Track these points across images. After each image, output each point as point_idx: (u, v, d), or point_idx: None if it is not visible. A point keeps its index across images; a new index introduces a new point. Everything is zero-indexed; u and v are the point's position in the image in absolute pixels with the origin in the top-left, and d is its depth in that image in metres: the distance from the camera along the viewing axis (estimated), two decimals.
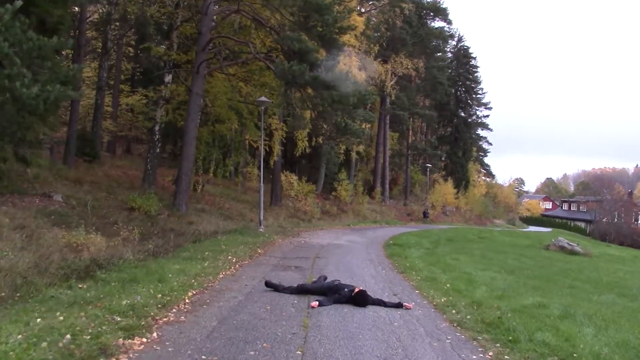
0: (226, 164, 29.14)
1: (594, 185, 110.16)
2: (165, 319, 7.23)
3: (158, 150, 27.08)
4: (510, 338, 7.15)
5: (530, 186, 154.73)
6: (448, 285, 11.69)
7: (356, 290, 9.18)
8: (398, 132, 58.96)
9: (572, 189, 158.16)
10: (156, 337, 6.41)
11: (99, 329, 6.21)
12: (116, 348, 5.72)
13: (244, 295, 9.33)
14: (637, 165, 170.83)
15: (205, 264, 12.06)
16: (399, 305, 9.17)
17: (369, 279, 12.26)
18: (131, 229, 15.53)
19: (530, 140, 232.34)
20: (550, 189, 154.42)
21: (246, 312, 8.07)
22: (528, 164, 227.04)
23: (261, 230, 22.43)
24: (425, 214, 50.81)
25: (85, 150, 28.67)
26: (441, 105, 64.16)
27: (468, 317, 8.48)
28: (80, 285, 8.64)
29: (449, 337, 7.32)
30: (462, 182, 65.46)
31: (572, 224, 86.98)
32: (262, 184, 23.92)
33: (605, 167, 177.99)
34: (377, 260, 16.26)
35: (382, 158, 51.99)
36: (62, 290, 8.11)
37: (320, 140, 36.69)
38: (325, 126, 28.68)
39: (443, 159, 69.14)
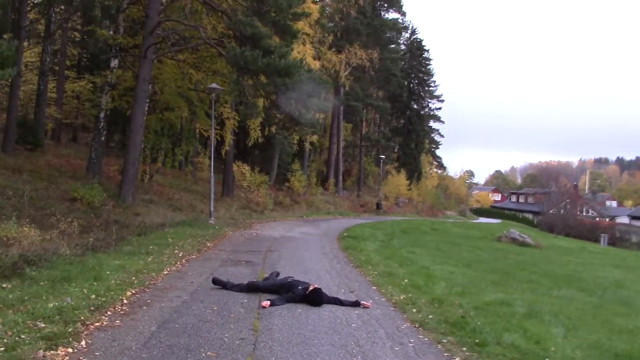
0: (175, 153, 28.11)
1: (541, 178, 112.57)
2: (97, 324, 6.44)
3: (103, 138, 25.83)
4: (477, 341, 6.64)
5: (480, 178, 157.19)
6: (406, 280, 11.18)
7: (310, 288, 8.54)
8: (352, 123, 58.61)
9: (519, 181, 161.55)
10: (84, 346, 5.63)
11: (17, 338, 5.41)
12: None
13: (189, 294, 8.60)
14: (580, 159, 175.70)
15: (149, 259, 11.25)
16: (356, 304, 8.59)
17: (324, 274, 11.66)
18: (70, 221, 14.50)
19: (480, 133, 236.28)
20: (499, 181, 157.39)
21: (190, 314, 7.35)
22: (477, 156, 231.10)
23: (211, 222, 21.62)
24: (378, 206, 50.59)
25: (26, 138, 27.14)
26: (394, 97, 64.09)
27: (430, 316, 7.94)
28: (4, 285, 7.75)
29: (411, 340, 6.75)
30: (414, 173, 65.71)
31: (520, 216, 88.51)
32: (212, 174, 23.07)
33: (550, 160, 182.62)
34: (332, 253, 15.69)
35: (335, 149, 51.54)
36: None
37: (273, 129, 35.92)
38: (278, 115, 27.91)
39: (396, 150, 69.23)
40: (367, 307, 8.54)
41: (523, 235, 32.64)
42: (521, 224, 68.78)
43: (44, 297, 7.09)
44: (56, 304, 6.73)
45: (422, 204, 66.59)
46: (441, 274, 12.35)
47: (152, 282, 9.33)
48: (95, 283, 8.25)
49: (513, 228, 37.03)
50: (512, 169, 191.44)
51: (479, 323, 7.43)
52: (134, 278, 9.22)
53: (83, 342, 5.70)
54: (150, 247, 13.06)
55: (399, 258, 14.97)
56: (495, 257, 19.96)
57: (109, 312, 7.03)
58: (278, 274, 10.36)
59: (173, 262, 11.40)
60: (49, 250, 10.59)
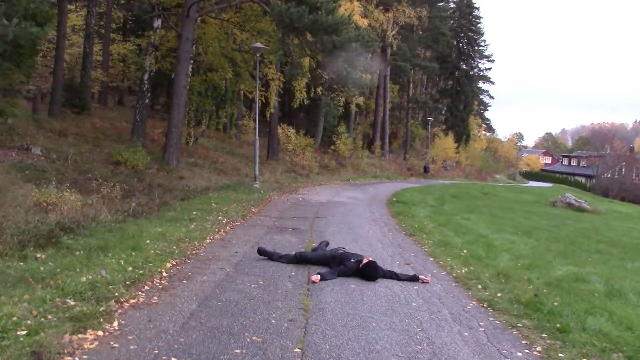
0: (220, 115, 27.51)
1: (594, 140, 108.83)
2: (132, 301, 5.84)
3: (147, 100, 25.46)
4: (557, 326, 5.81)
5: (529, 141, 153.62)
6: (465, 251, 10.37)
7: (364, 261, 7.82)
8: (399, 84, 57.11)
9: (570, 143, 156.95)
10: (116, 327, 5.03)
11: (42, 319, 4.84)
12: (58, 348, 4.34)
13: (232, 266, 7.98)
14: (635, 121, 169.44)
15: (192, 226, 10.70)
16: (414, 279, 7.85)
17: (376, 243, 10.93)
18: (113, 185, 14.08)
19: (529, 94, 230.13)
20: (549, 143, 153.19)
21: (234, 290, 6.72)
22: (527, 118, 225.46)
23: (256, 186, 21.07)
24: (426, 169, 49.49)
25: (73, 101, 26.97)
26: (442, 58, 62.03)
27: (498, 294, 7.15)
28: (38, 255, 7.24)
29: (481, 324, 5.98)
30: (462, 136, 63.97)
31: (572, 179, 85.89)
32: (257, 137, 22.42)
33: (603, 122, 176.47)
34: (382, 220, 14.95)
35: (382, 111, 50.30)
36: (12, 263, 6.70)
37: (319, 91, 35.02)
38: (324, 76, 26.96)
39: (443, 112, 67.41)
40: (427, 282, 7.79)
41: (579, 200, 31.33)
42: (573, 188, 66.62)
43: (77, 270, 6.53)
44: (90, 277, 6.16)
45: (471, 168, 65.05)
46: (502, 244, 11.50)
47: (194, 251, 8.75)
48: (133, 253, 7.68)
49: (568, 192, 35.52)
50: (563, 131, 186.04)
51: (555, 304, 6.60)
52: (174, 247, 8.65)
53: (115, 323, 5.11)
54: (194, 212, 12.53)
55: (453, 225, 14.13)
56: (555, 224, 18.88)
57: (146, 287, 6.45)
58: (327, 244, 9.67)
59: (216, 230, 10.83)
60: (88, 216, 10.12)
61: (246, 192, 18.31)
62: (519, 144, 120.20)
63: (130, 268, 6.94)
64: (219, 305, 6.02)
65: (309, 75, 28.53)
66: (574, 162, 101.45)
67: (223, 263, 8.13)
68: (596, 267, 9.91)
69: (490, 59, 74.64)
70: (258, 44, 20.88)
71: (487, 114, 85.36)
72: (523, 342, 5.48)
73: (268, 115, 30.49)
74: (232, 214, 13.14)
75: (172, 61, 23.90)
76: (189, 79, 22.89)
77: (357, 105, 45.97)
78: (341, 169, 37.73)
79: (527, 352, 5.20)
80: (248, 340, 4.99)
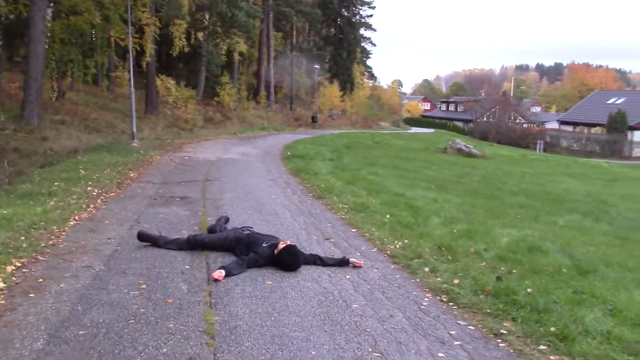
0: (87, 65, 24.30)
1: (467, 86, 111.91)
2: None
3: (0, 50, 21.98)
4: (552, 329, 4.36)
5: (407, 88, 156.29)
6: (388, 216, 8.88)
7: (281, 245, 6.04)
8: (282, 31, 54.86)
9: (445, 89, 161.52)
10: None
11: None
12: None
13: (103, 262, 5.96)
14: (502, 66, 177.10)
15: (51, 203, 8.46)
16: (343, 262, 6.21)
17: (283, 212, 9.19)
18: None
19: (406, 41, 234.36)
20: (426, 90, 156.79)
21: (104, 303, 4.76)
22: (404, 65, 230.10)
23: (135, 145, 18.60)
24: (314, 119, 48.03)
25: None
26: (325, 4, 60.25)
27: (455, 281, 5.65)
28: None
29: (453, 333, 4.42)
30: (347, 84, 63.21)
31: (451, 124, 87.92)
32: (133, 89, 19.75)
33: (474, 68, 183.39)
34: (282, 179, 13.20)
35: (266, 60, 47.96)
36: None
37: (200, 37, 32.21)
38: (206, 20, 24.40)
39: (327, 60, 66.06)
40: (360, 267, 6.18)
41: (468, 146, 31.50)
42: (453, 133, 68.19)
43: None
44: None
45: (356, 116, 64.47)
46: (424, 204, 10.14)
47: (50, 241, 6.59)
48: None
49: (458, 139, 35.46)
50: (437, 77, 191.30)
51: (529, 290, 5.19)
52: (23, 238, 6.45)
53: None
54: (56, 183, 10.21)
55: (362, 182, 12.66)
56: (457, 174, 18.04)
57: None
58: (227, 220, 7.80)
59: (84, 206, 8.62)
60: None
61: (123, 153, 15.90)
62: (399, 91, 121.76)
63: None
64: (80, 337, 4.06)
65: (189, 19, 25.79)
66: (451, 108, 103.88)
67: (91, 257, 6.08)
68: (533, 228, 8.75)
69: (372, 5, 73.81)
70: None
71: (369, 62, 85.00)
72: None
73: (144, 66, 27.49)
74: (105, 182, 10.90)
75: (27, 2, 20.52)
76: (47, 24, 19.77)
77: (241, 54, 43.31)
78: (227, 121, 35.39)
79: None
80: None
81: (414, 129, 72.93)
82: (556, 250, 6.94)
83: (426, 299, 5.24)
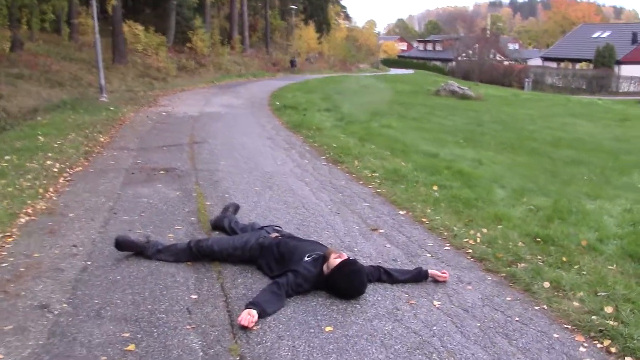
0: (44, 11, 21.51)
1: (442, 25, 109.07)
2: None
3: None
4: None
5: (380, 28, 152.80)
6: (436, 188, 6.94)
7: (334, 260, 3.96)
8: None
9: (418, 28, 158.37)
10: None
11: None
12: None
13: (66, 295, 3.89)
14: (475, 3, 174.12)
15: None
16: (420, 277, 4.25)
17: (299, 186, 7.18)
18: None
19: None
20: (401, 30, 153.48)
21: None
22: (376, 4, 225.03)
23: (104, 99, 16.28)
24: (292, 63, 45.51)
25: None
26: None
27: (607, 309, 3.73)
28: None
29: None
30: (322, 25, 60.74)
31: (431, 64, 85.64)
32: (98, 36, 17.22)
33: (447, 6, 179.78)
34: (281, 137, 11.15)
35: (238, 1, 44.88)
36: None
37: None
38: None
39: (301, 1, 62.96)
40: (445, 280, 4.25)
41: (462, 88, 29.67)
42: (433, 73, 66.56)
43: None
44: None
45: (334, 58, 61.96)
46: (470, 168, 8.26)
47: None
48: None
49: (451, 80, 33.53)
50: (411, 17, 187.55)
51: None
52: None
53: None
54: (6, 157, 8.05)
55: (379, 139, 10.67)
56: (470, 121, 16.15)
57: None
58: (237, 208, 5.72)
59: (41, 190, 6.49)
60: None
61: (90, 111, 13.60)
62: (374, 31, 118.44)
63: None
64: None
65: None
66: (429, 47, 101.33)
67: (47, 286, 4.03)
68: (625, 197, 6.90)
69: None
70: None
71: (342, 2, 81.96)
72: None
73: (110, 11, 24.70)
74: (69, 151, 8.72)
75: None
76: None
77: None
78: (201, 69, 32.83)
79: None
80: None
81: (394, 70, 70.59)
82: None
83: (582, 348, 3.33)
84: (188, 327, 3.49)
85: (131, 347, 3.25)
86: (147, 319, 3.58)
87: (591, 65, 54.67)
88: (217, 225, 5.31)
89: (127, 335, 3.38)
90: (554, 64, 63.49)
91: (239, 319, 3.48)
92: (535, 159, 9.83)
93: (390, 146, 9.80)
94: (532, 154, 10.38)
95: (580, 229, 5.37)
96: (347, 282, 3.89)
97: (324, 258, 4.06)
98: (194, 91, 22.82)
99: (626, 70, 52.77)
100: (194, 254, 4.52)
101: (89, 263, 4.48)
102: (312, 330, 3.45)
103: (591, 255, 4.74)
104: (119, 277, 4.22)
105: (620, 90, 50.71)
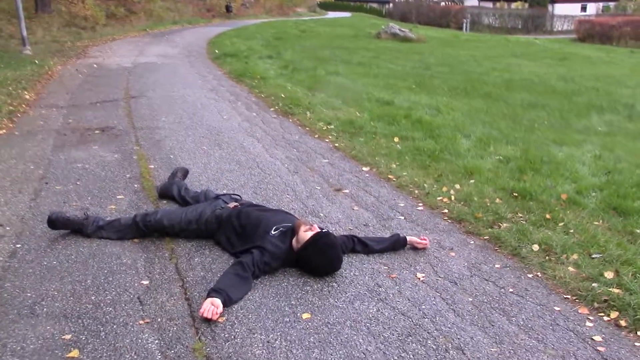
0: None
1: None
2: None
3: None
4: None
5: None
6: (397, 140, 6.53)
7: (304, 233, 3.48)
8: None
9: None
10: None
11: None
12: None
13: None
14: None
15: None
16: (397, 245, 3.84)
17: (250, 143, 6.63)
18: None
19: None
20: None
21: None
22: None
23: (27, 52, 15.01)
24: (228, 9, 43.79)
25: None
26: None
27: (607, 275, 3.41)
28: None
29: None
30: None
31: (368, 6, 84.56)
32: None
33: None
34: (225, 88, 10.47)
35: None
36: None
37: None
38: None
39: None
40: (425, 247, 3.86)
41: (403, 30, 29.34)
42: (371, 15, 65.82)
43: None
44: None
45: (271, 3, 60.19)
46: (429, 116, 7.87)
47: None
48: None
49: (392, 23, 32.97)
50: None
51: None
52: None
53: None
54: None
55: (328, 87, 10.16)
56: (417, 65, 15.71)
57: None
58: (186, 173, 5.11)
59: None
60: None
61: (13, 65, 12.45)
62: None
63: None
64: None
65: None
66: None
67: None
68: (589, 141, 6.64)
69: None
70: None
71: None
72: None
73: None
74: None
75: None
76: None
77: None
78: (132, 16, 31.09)
79: None
80: None
81: (331, 14, 69.38)
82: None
83: (588, 323, 2.99)
84: (141, 322, 2.99)
85: (74, 353, 2.72)
86: (91, 315, 3.05)
87: (526, 5, 55.03)
88: (165, 194, 4.75)
89: (68, 337, 2.85)
90: (490, 4, 63.60)
91: (201, 310, 2.97)
92: (491, 103, 9.51)
93: (341, 95, 9.30)
94: (487, 98, 10.06)
95: (556, 180, 5.06)
96: (321, 258, 3.43)
97: (293, 231, 3.59)
98: (126, 40, 21.54)
99: (560, 9, 53.47)
100: (141, 230, 3.96)
101: (18, 246, 3.87)
102: (288, 320, 2.99)
103: (573, 210, 4.44)
104: (55, 263, 3.64)
105: (555, 29, 51.34)
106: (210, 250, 3.80)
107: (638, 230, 4.02)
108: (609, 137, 7.32)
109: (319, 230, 3.53)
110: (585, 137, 7.18)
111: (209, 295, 3.07)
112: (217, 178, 5.30)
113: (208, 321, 2.95)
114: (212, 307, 2.97)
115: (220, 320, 2.97)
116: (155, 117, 7.97)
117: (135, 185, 5.11)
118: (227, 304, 3.07)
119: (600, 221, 4.23)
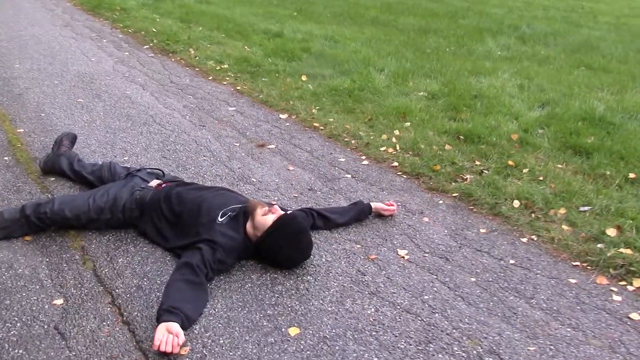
0: None
1: None
2: None
3: None
4: None
5: None
6: (304, 78, 5.82)
7: (264, 217, 2.76)
8: None
9: None
10: None
11: None
12: None
13: None
14: None
15: None
16: (362, 214, 3.24)
17: (136, 92, 5.62)
18: None
19: None
20: None
21: None
22: None
23: None
24: None
25: None
26: None
27: (608, 232, 3.05)
28: None
29: None
30: None
31: None
32: None
33: None
34: (81, 23, 9.07)
35: None
36: None
37: None
38: None
39: None
40: (392, 213, 3.29)
41: None
42: None
43: None
44: None
45: None
46: (328, 49, 7.14)
47: None
48: None
49: None
50: None
51: None
52: None
53: None
54: None
55: (204, 18, 9.15)
56: None
57: None
58: (74, 139, 4.03)
59: None
60: None
61: None
62: None
63: None
64: None
65: None
66: None
67: None
68: (504, 70, 6.31)
69: None
70: None
71: None
72: None
73: None
74: None
75: None
76: None
77: None
78: None
79: None
80: None
81: None
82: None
83: (615, 296, 2.59)
84: None
85: None
86: None
87: None
88: (50, 169, 3.74)
89: None
90: None
91: (156, 342, 2.18)
92: (383, 30, 8.93)
93: (221, 27, 8.35)
94: (377, 25, 9.48)
95: (496, 118, 4.66)
96: (291, 248, 2.74)
97: (245, 215, 2.86)
98: None
99: None
100: (34, 225, 3.03)
101: None
102: (273, 340, 2.29)
103: (528, 151, 4.06)
104: None
105: None
106: (135, 245, 2.98)
107: (607, 172, 3.72)
108: (516, 63, 7.07)
109: (284, 212, 2.83)
110: (493, 64, 6.88)
111: (160, 319, 2.29)
112: (111, 141, 4.35)
113: (167, 356, 2.19)
114: (169, 335, 2.21)
115: (183, 352, 2.22)
116: (6, 64, 6.60)
117: (6, 159, 4.03)
118: (185, 326, 2.31)
119: (564, 164, 3.89)
